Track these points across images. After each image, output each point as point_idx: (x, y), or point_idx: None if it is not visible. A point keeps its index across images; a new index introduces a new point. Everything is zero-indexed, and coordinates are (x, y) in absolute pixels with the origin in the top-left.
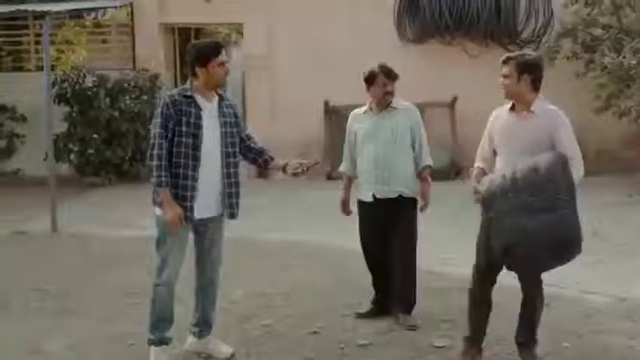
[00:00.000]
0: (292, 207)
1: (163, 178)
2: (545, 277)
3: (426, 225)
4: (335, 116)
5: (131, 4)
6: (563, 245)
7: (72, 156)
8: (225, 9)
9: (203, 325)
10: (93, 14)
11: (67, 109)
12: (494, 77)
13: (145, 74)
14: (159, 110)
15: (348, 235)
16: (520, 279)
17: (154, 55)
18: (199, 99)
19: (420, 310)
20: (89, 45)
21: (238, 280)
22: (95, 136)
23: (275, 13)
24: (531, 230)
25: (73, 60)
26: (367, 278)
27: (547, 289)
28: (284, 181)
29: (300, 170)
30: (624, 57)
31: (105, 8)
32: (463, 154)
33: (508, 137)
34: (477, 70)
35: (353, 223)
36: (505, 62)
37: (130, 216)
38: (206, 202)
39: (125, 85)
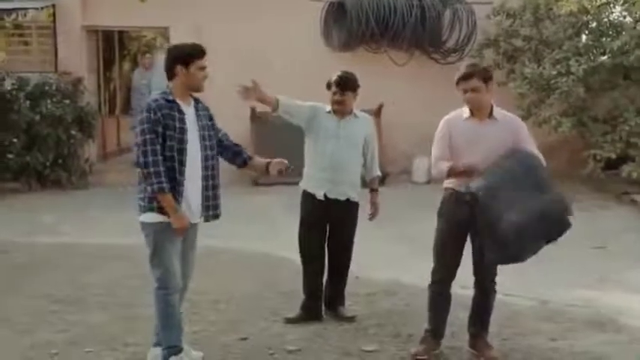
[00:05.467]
0: None
1: (165, 184)
2: (468, 280)
3: None
4: (262, 123)
5: (53, 6)
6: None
7: None
8: (151, 12)
9: None
10: (13, 15)
11: None
12: (420, 85)
13: (67, 77)
14: (145, 116)
15: (275, 241)
16: (478, 272)
17: (77, 58)
18: (180, 103)
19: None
20: (9, 47)
21: None
22: (15, 140)
23: (201, 17)
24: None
25: None
26: (295, 283)
27: (470, 293)
28: None
29: (283, 169)
30: (544, 68)
31: (26, 9)
32: (389, 161)
33: (475, 142)
34: (403, 77)
35: (281, 229)
36: (469, 77)
37: (52, 222)
38: (191, 208)
39: (46, 88)
